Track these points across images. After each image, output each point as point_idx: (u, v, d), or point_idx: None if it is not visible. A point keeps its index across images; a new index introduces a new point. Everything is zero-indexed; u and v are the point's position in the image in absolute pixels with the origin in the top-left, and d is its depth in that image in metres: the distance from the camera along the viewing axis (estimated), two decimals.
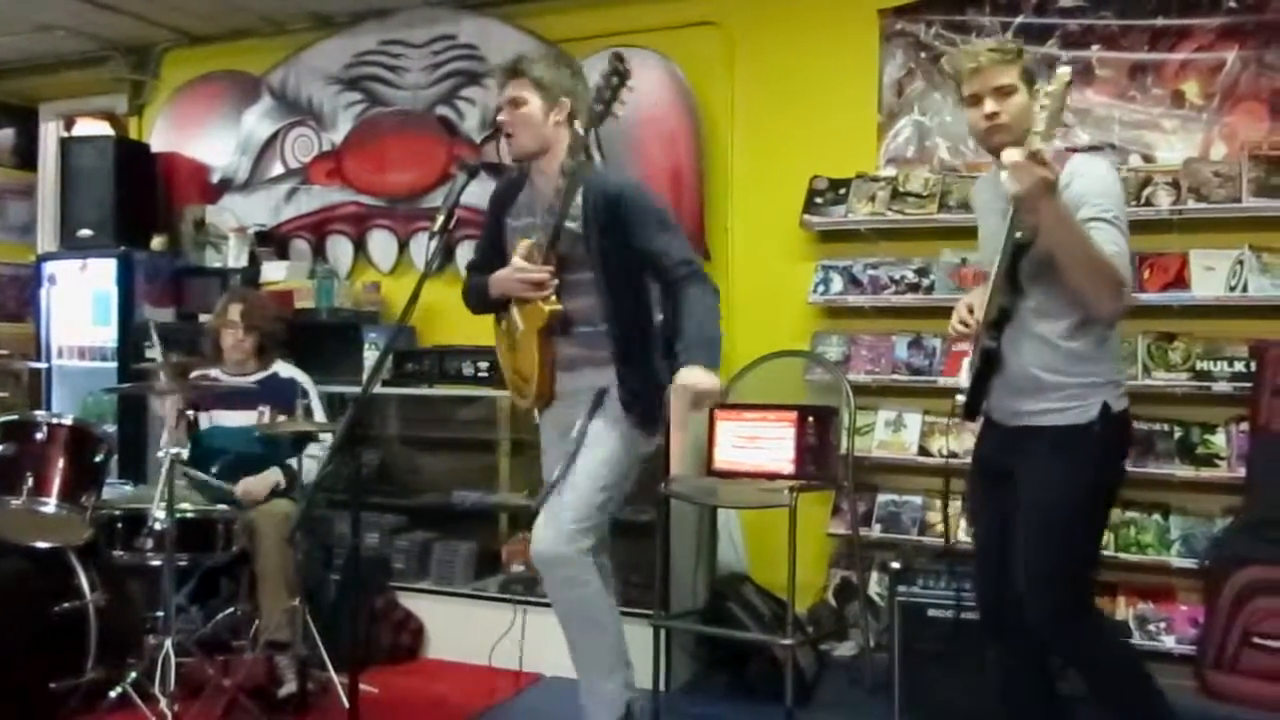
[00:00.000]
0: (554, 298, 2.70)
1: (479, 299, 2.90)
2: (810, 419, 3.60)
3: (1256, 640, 3.27)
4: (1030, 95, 2.31)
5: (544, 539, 2.70)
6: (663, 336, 2.81)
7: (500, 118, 2.75)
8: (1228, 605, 3.31)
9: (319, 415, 3.79)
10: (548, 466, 2.89)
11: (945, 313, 3.96)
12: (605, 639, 2.75)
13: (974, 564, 2.68)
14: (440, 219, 2.64)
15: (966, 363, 2.55)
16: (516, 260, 2.72)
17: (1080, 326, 2.33)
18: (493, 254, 2.87)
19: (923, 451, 3.98)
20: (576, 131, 2.69)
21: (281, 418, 3.67)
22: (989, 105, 2.32)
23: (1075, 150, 2.45)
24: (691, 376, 2.58)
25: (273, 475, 3.63)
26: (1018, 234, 2.27)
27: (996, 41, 2.44)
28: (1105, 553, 3.62)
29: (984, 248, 2.56)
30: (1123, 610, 3.61)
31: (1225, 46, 3.77)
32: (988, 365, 2.39)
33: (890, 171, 4.18)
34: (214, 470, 3.60)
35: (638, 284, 2.77)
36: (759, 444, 3.64)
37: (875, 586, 3.93)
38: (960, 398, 2.49)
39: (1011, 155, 2.06)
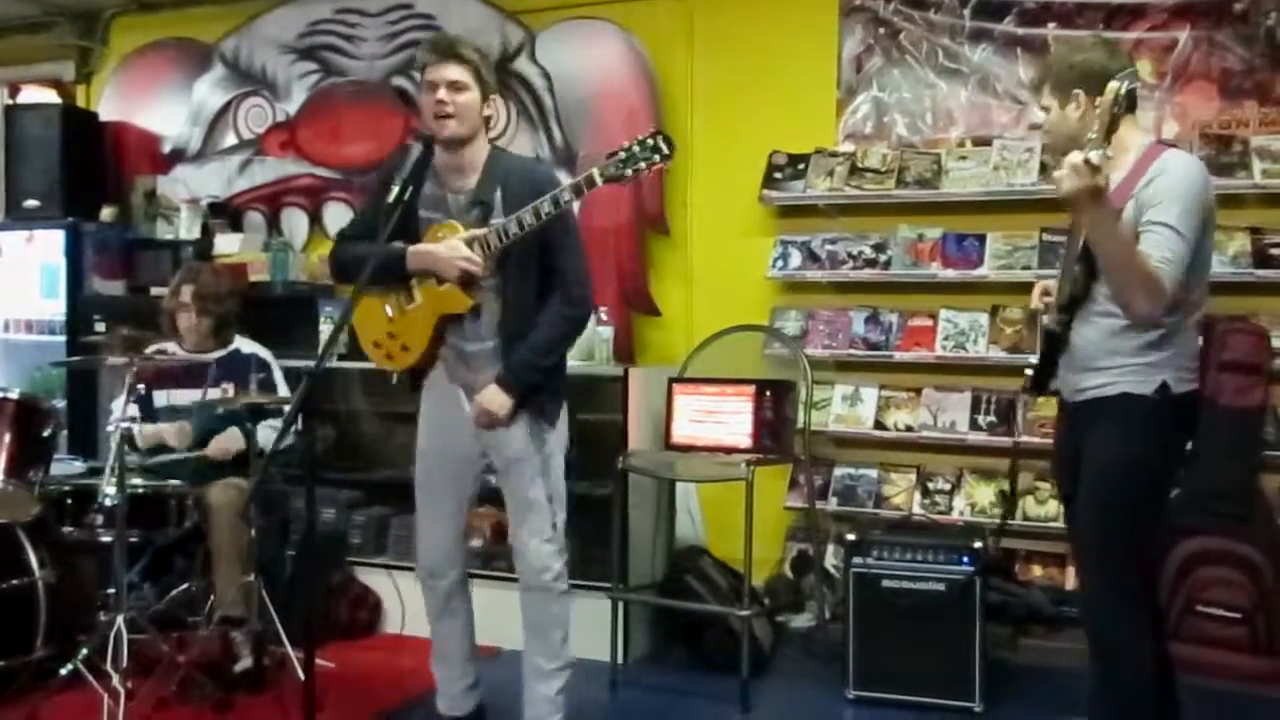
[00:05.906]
0: (475, 292, 2.71)
1: (378, 269, 2.60)
2: (767, 393, 3.62)
3: (1199, 608, 3.36)
4: (1066, 109, 2.46)
5: (542, 553, 2.76)
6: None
7: (439, 95, 2.67)
8: (1173, 575, 3.39)
9: (282, 389, 3.74)
10: (434, 436, 2.87)
11: (902, 288, 4.09)
12: (567, 641, 2.85)
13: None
14: (395, 190, 2.61)
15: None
16: (456, 244, 2.66)
17: None
18: (375, 226, 2.68)
19: (879, 425, 4.02)
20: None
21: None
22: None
23: (1165, 144, 2.51)
24: (485, 395, 2.70)
25: (234, 432, 3.61)
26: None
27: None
28: (1052, 525, 3.70)
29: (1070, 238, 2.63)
30: (1072, 581, 3.68)
31: (1178, 26, 3.82)
32: (1050, 346, 2.49)
33: (849, 147, 4.20)
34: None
35: (535, 276, 2.76)
36: (717, 418, 3.65)
37: (831, 558, 3.97)
38: (1029, 371, 2.59)
39: (1073, 158, 2.15)
